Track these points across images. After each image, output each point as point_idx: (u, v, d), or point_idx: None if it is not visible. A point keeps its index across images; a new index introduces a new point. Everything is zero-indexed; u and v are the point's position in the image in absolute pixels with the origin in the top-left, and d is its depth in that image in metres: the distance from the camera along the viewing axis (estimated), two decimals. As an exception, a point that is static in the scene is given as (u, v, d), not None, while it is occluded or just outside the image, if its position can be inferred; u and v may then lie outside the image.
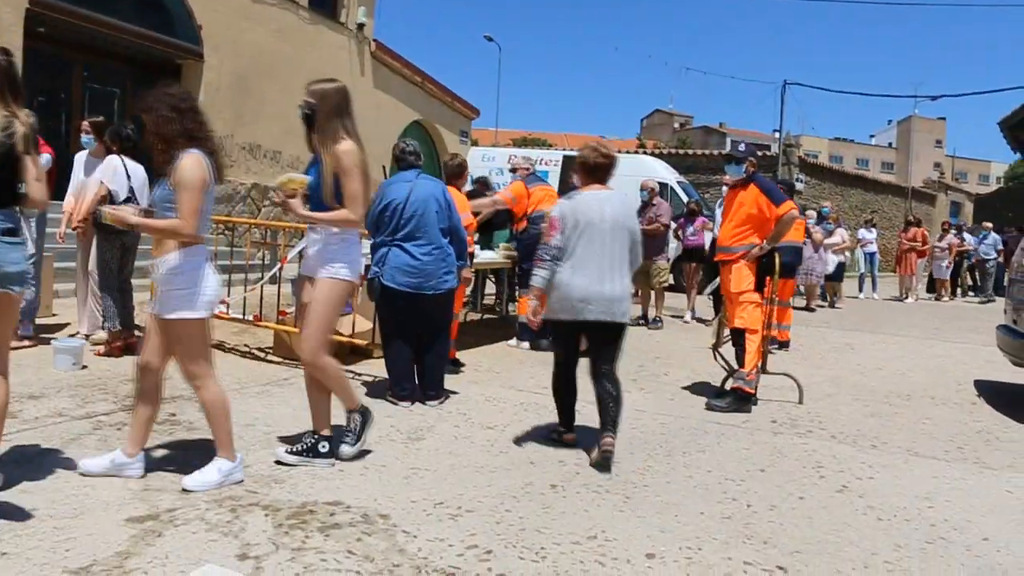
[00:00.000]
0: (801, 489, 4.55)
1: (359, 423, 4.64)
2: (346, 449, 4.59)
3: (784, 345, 9.78)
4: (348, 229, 4.53)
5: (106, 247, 7.06)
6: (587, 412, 5.27)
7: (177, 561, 3.18)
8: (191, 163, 3.91)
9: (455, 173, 7.42)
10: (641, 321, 11.41)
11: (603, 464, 4.74)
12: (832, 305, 16.28)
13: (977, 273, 21.90)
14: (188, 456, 4.44)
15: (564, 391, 5.23)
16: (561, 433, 5.25)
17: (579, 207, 4.97)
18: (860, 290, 18.96)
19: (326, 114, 4.40)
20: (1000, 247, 20.85)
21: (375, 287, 5.98)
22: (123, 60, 14.91)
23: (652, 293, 11.54)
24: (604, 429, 4.86)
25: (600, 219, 4.91)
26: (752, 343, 6.35)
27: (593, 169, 5.10)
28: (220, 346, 7.75)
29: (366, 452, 4.70)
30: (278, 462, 4.44)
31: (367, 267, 6.72)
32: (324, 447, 4.51)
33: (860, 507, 4.29)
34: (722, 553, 3.61)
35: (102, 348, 7.04)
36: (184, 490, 3.93)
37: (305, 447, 4.51)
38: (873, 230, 19.47)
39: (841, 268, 16.32)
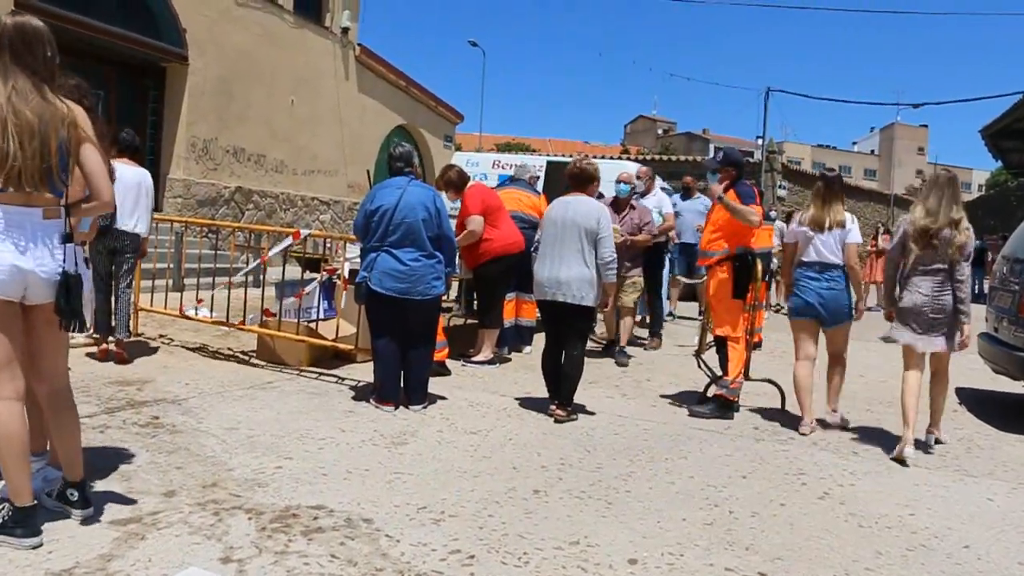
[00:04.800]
0: (783, 496, 4.57)
1: (7, 513, 3.30)
2: None
3: (757, 345, 9.75)
4: None
5: (91, 251, 7.03)
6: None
7: (160, 564, 3.17)
8: None
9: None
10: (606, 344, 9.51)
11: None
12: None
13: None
14: (171, 459, 4.44)
15: (546, 366, 6.20)
16: (554, 409, 6.03)
17: (549, 211, 6.25)
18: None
19: None
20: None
21: (362, 291, 5.98)
22: (108, 62, 14.85)
23: (619, 311, 8.81)
24: (556, 400, 6.04)
25: (559, 220, 6.02)
26: (735, 350, 6.38)
27: (569, 177, 6.25)
28: (203, 349, 7.74)
29: (348, 456, 4.68)
30: None
31: (353, 272, 6.73)
32: (73, 495, 3.55)
33: (841, 514, 4.32)
34: (704, 559, 3.63)
35: (95, 350, 6.97)
36: None
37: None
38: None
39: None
